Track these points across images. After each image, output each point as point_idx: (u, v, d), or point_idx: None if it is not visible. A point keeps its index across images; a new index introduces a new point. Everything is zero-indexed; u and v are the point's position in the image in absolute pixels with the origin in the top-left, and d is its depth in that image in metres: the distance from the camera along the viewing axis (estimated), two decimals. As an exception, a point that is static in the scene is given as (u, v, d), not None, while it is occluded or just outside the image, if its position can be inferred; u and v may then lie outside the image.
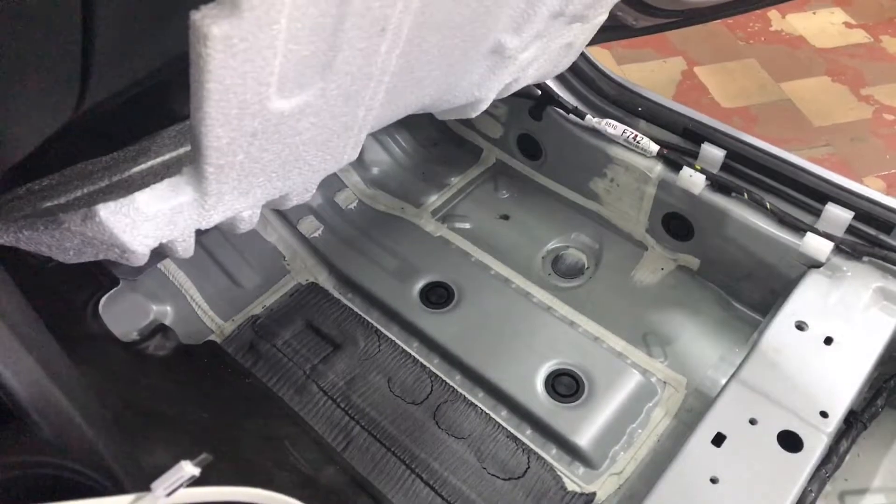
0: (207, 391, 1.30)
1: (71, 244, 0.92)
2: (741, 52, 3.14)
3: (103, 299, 1.35)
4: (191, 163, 0.86)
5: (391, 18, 0.78)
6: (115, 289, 1.37)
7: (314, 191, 1.13)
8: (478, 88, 1.20)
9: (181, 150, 1.09)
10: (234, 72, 0.63)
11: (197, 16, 0.55)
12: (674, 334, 1.44)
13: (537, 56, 1.21)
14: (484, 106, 1.25)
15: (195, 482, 0.58)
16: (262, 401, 1.32)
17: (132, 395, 1.15)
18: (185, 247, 1.04)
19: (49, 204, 0.97)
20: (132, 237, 0.89)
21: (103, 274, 1.37)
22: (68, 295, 1.30)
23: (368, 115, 0.98)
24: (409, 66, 0.96)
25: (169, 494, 0.54)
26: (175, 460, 0.63)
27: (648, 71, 2.96)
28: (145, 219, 0.88)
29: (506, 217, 1.70)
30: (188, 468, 0.54)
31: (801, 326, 1.21)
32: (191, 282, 1.48)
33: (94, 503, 0.52)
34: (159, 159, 1.11)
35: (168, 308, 1.44)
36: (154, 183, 0.88)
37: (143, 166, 1.10)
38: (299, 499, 1.16)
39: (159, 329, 1.39)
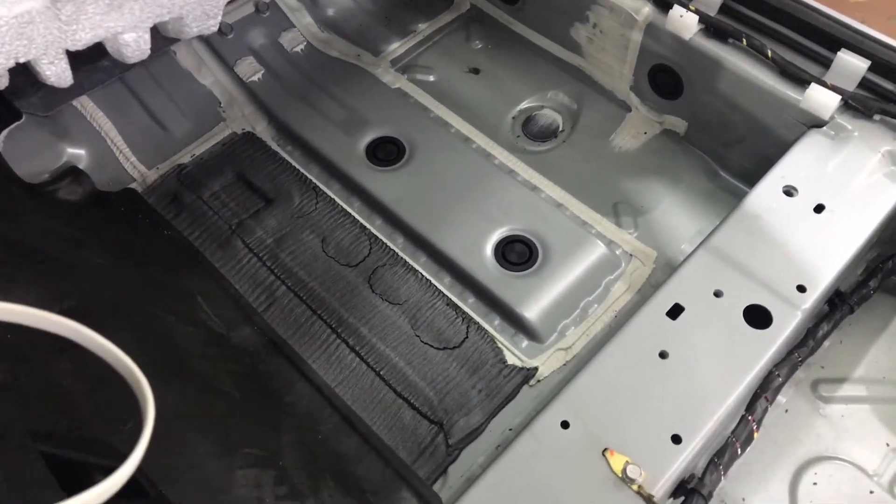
0: (116, 239, 1.16)
1: None
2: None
3: (3, 134, 1.20)
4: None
5: None
6: (16, 123, 1.21)
7: (219, 17, 0.95)
8: None
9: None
10: None
11: None
12: (649, 204, 1.28)
13: None
14: None
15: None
16: (179, 254, 1.19)
17: (17, 235, 1.02)
18: (57, 71, 0.89)
19: None
20: None
21: (5, 107, 1.21)
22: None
23: None
24: None
25: None
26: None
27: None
28: None
29: (476, 71, 1.50)
30: None
31: (789, 192, 1.04)
32: (111, 123, 1.32)
33: None
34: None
35: (84, 151, 1.29)
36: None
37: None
38: (203, 357, 1.05)
39: (71, 172, 1.25)
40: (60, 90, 1.29)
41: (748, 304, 0.93)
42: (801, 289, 0.94)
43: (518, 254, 1.19)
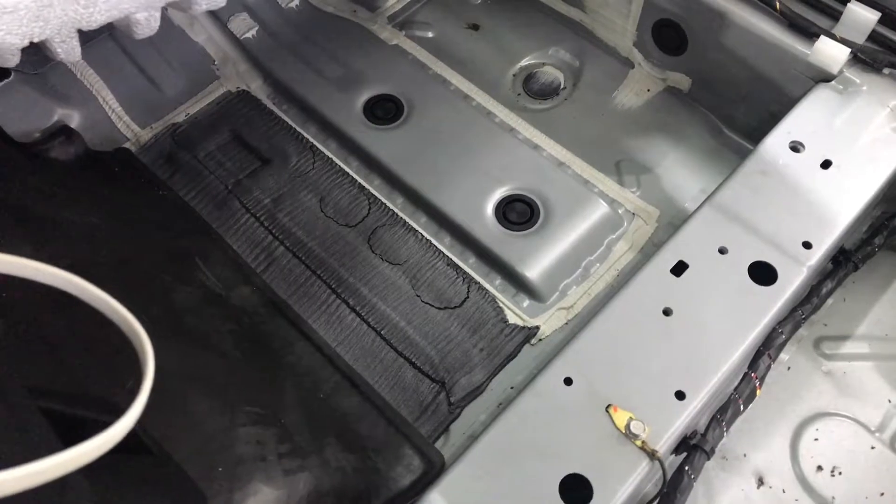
0: (110, 199, 1.14)
1: None
2: None
3: (-9, 93, 1.17)
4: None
5: None
6: (5, 81, 1.18)
7: None
8: None
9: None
10: None
11: None
12: (652, 162, 1.26)
13: None
14: None
15: None
16: (176, 214, 1.17)
17: (8, 194, 1.00)
18: (67, 48, 0.89)
19: None
20: None
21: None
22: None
23: None
24: None
25: None
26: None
27: None
28: (3, 10, 0.72)
29: (475, 27, 1.46)
30: None
31: (796, 147, 1.02)
32: (102, 82, 1.28)
33: None
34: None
35: (75, 111, 1.26)
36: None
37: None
38: (201, 317, 1.03)
39: (63, 132, 1.22)
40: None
41: (753, 260, 0.92)
42: (807, 245, 0.93)
43: (519, 213, 1.17)
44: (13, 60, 0.83)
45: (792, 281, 0.91)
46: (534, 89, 1.39)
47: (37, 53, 1.23)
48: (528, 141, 1.27)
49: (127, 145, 1.27)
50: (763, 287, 0.90)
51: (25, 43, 0.81)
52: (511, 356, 1.07)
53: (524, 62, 1.41)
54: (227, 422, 0.82)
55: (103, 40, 1.29)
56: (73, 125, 1.25)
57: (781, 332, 0.95)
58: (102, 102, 1.28)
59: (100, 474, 0.54)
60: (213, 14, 1.36)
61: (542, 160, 1.23)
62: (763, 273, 0.91)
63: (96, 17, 0.82)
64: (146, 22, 0.89)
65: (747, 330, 0.88)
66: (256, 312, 1.07)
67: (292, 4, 1.42)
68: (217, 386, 0.88)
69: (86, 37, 1.25)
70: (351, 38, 1.39)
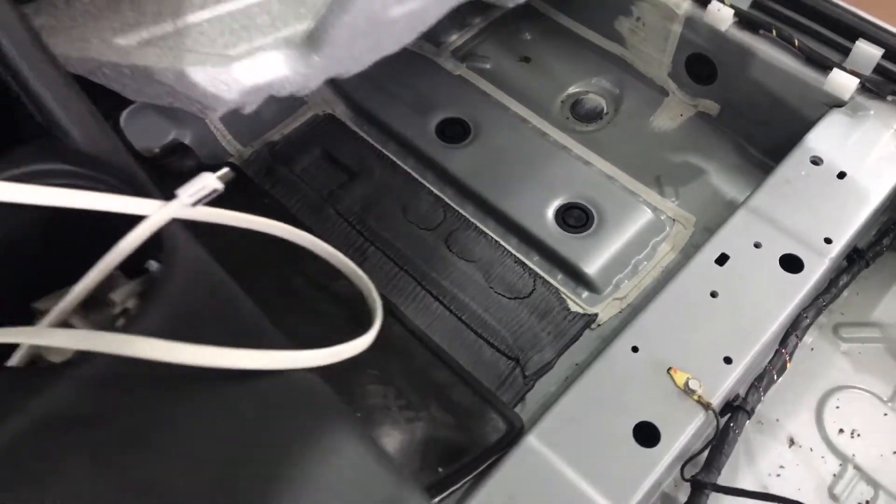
0: (225, 205, 1.33)
1: (153, 91, 0.94)
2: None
3: (124, 113, 1.37)
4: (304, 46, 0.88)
5: None
6: (134, 105, 1.38)
7: None
8: None
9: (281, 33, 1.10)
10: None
11: None
12: (687, 177, 1.45)
13: None
14: None
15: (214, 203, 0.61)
16: (280, 218, 1.35)
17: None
18: (252, 105, 1.06)
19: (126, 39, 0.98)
20: (222, 101, 0.92)
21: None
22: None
23: None
24: None
25: (194, 204, 0.58)
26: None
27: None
28: (241, 88, 0.91)
29: (527, 59, 1.67)
30: (210, 180, 0.57)
31: (815, 161, 1.21)
32: (210, 106, 1.48)
33: (124, 199, 0.55)
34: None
35: (187, 130, 1.46)
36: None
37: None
38: (312, 300, 1.22)
39: (180, 147, 1.42)
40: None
41: (783, 253, 1.11)
42: (828, 240, 1.12)
43: (576, 218, 1.36)
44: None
45: (816, 269, 1.09)
46: (580, 114, 1.59)
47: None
48: (579, 157, 1.47)
49: (232, 160, 1.46)
50: (792, 275, 1.09)
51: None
52: (575, 338, 1.24)
53: (571, 90, 1.61)
54: (357, 379, 1.00)
55: (211, 70, 1.49)
56: (187, 142, 1.44)
57: (806, 317, 1.13)
58: (209, 123, 1.48)
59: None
60: (303, 48, 1.57)
61: (593, 174, 1.43)
62: (792, 263, 1.10)
63: (287, 91, 1.02)
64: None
65: (780, 309, 1.06)
66: (355, 298, 1.25)
67: (370, 40, 1.63)
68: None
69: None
70: (420, 69, 1.59)
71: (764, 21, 1.33)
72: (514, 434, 1.11)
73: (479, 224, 1.39)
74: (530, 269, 1.33)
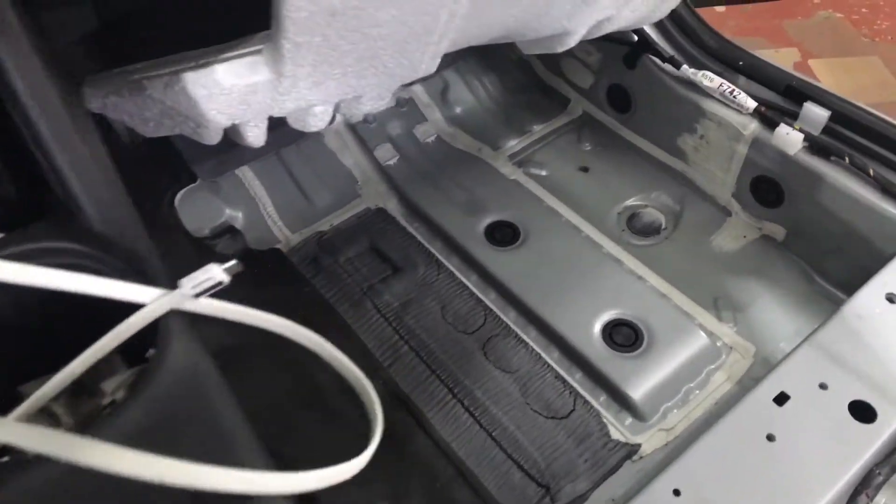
0: (263, 292, 1.32)
1: (151, 114, 0.95)
2: (864, 49, 2.92)
3: (180, 193, 1.40)
4: (270, 41, 0.87)
5: None
6: (192, 185, 1.41)
7: (388, 100, 1.11)
8: (568, 19, 1.15)
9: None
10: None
11: None
12: (747, 302, 1.36)
13: (637, -6, 1.16)
14: (572, 41, 1.20)
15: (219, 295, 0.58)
16: (317, 309, 1.33)
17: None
18: (257, 134, 1.05)
19: (138, 76, 1.00)
20: (207, 109, 0.91)
21: (184, 170, 1.42)
22: (149, 181, 1.36)
23: (451, 22, 0.96)
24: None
25: (197, 296, 0.55)
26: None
27: (759, 57, 2.82)
28: (221, 91, 0.89)
29: (585, 169, 1.64)
30: (216, 271, 0.54)
31: (892, 299, 1.11)
32: (265, 191, 1.51)
33: (122, 285, 0.52)
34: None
35: (240, 214, 1.48)
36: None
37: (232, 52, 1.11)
38: (337, 403, 1.16)
39: (229, 230, 1.43)
40: (229, 159, 1.50)
41: (853, 398, 0.99)
42: (906, 389, 1.00)
43: (625, 336, 1.28)
44: (216, 137, 0.99)
45: (891, 421, 0.97)
46: (637, 227, 1.53)
47: (219, 161, 1.47)
48: (632, 272, 1.40)
49: (278, 246, 1.47)
50: (863, 424, 0.97)
51: (229, 123, 0.96)
52: (613, 470, 1.14)
53: (628, 202, 1.57)
54: (366, 494, 0.93)
55: (270, 157, 1.53)
56: (236, 226, 1.46)
57: (879, 474, 1.00)
58: (262, 208, 1.50)
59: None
60: (363, 143, 1.60)
61: (645, 290, 1.36)
62: (863, 411, 0.98)
63: (287, 105, 0.97)
64: (321, 115, 1.04)
65: (849, 463, 0.94)
66: (383, 402, 1.19)
67: (429, 139, 1.65)
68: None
69: (255, 153, 1.50)
70: (476, 171, 1.59)
71: (836, 147, 1.27)
72: (536, 572, 1.00)
73: (520, 332, 1.32)
74: (571, 386, 1.24)
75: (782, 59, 2.83)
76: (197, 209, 1.43)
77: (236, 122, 0.99)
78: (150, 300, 0.53)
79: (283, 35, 0.83)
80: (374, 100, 1.11)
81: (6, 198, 0.60)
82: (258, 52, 0.88)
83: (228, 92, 0.90)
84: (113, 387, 0.55)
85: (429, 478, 1.09)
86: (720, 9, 3.05)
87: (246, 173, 1.51)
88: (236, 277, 1.42)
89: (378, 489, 0.96)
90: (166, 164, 1.39)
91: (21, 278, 0.49)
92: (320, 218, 1.52)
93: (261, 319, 0.63)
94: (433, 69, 1.05)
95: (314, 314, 1.32)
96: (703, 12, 1.52)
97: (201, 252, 1.39)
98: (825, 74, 2.76)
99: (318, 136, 1.58)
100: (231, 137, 1.04)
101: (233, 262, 0.54)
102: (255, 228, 1.48)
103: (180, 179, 1.41)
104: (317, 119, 1.07)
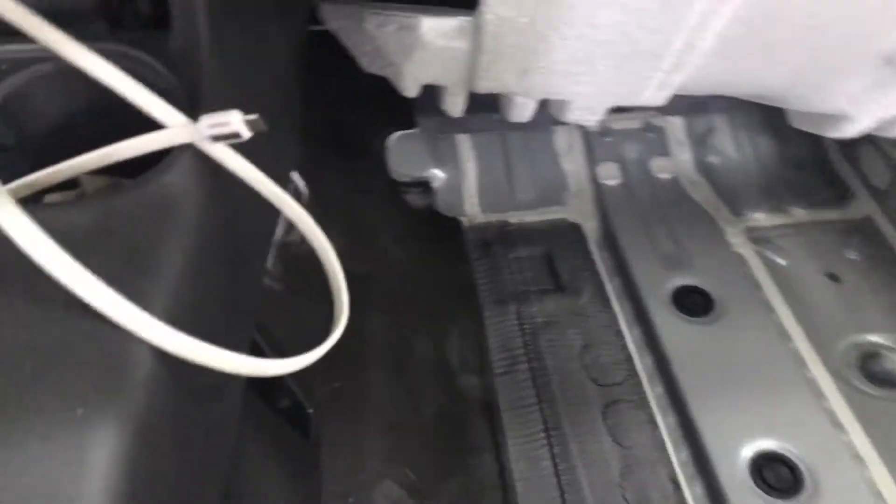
0: (423, 254, 1.30)
1: (367, 48, 0.97)
2: None
3: (396, 135, 1.43)
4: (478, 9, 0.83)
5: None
6: (409, 130, 1.43)
7: (599, 117, 1.00)
8: (849, 101, 0.92)
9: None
10: None
11: None
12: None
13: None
14: (851, 130, 0.96)
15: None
16: (461, 290, 1.27)
17: (354, 208, 1.21)
18: (454, 103, 1.02)
19: (365, 11, 1.01)
20: (406, 57, 0.90)
21: (408, 114, 1.45)
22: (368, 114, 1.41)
23: (688, 54, 0.82)
24: (760, 20, 0.77)
25: (214, 140, 0.51)
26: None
27: None
28: (421, 45, 0.88)
29: (835, 278, 1.33)
30: (236, 118, 0.49)
31: None
32: (475, 164, 1.47)
33: (150, 97, 0.51)
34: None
35: (443, 174, 1.46)
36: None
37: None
38: (423, 384, 1.09)
39: (424, 185, 1.43)
40: (454, 122, 1.49)
41: None
42: None
43: (777, 476, 1.00)
44: (410, 91, 0.96)
45: None
46: (870, 370, 1.19)
47: (443, 121, 1.47)
48: (831, 413, 1.09)
49: (463, 219, 1.42)
50: None
51: (426, 81, 0.93)
52: None
53: (873, 338, 1.23)
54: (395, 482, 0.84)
55: (493, 135, 1.49)
56: (434, 185, 1.44)
57: None
58: (464, 178, 1.46)
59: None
60: (590, 153, 1.48)
61: (837, 443, 1.04)
62: None
63: (481, 83, 0.92)
64: (520, 107, 0.99)
65: None
66: (472, 402, 1.09)
67: (663, 176, 1.47)
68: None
69: (481, 126, 1.47)
70: (699, 228, 1.37)
71: None
72: None
73: (656, 412, 1.11)
74: (683, 497, 1.00)
75: None
76: (405, 154, 1.44)
77: (433, 82, 0.97)
78: (173, 125, 0.51)
79: (486, 5, 0.78)
80: (581, 110, 1.00)
81: (140, 11, 0.63)
82: (467, 20, 0.85)
83: (428, 47, 0.88)
84: (92, 186, 0.53)
85: (472, 498, 0.96)
86: None
87: (464, 141, 1.49)
88: (405, 231, 1.42)
89: (405, 472, 0.86)
90: (393, 100, 1.43)
91: (75, 57, 0.50)
92: (515, 210, 1.44)
93: (269, 191, 0.57)
94: (660, 102, 0.92)
95: (456, 292, 1.26)
96: None
97: (389, 196, 1.41)
98: None
99: (548, 131, 1.50)
100: (501, 107, 1.02)
101: (255, 116, 0.49)
102: (449, 194, 1.45)
103: (399, 123, 1.44)
104: (516, 109, 1.00)
